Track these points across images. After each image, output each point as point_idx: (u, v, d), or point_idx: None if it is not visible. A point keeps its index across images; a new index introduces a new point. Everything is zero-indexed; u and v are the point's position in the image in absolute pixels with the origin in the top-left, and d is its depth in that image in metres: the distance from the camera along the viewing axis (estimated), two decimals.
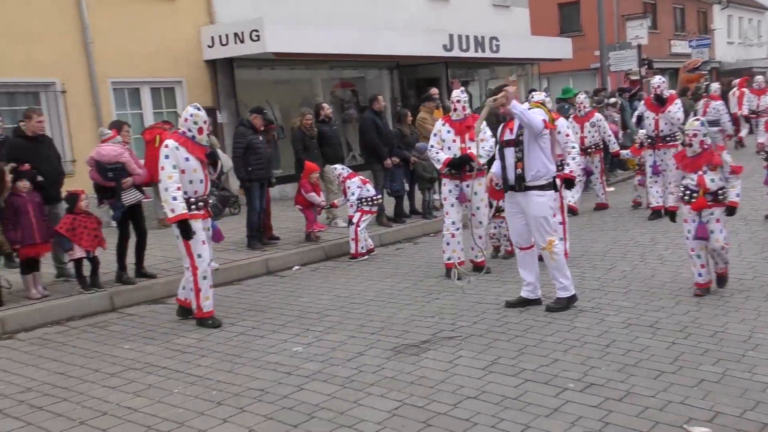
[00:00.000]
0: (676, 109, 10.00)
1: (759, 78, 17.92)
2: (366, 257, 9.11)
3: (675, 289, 6.68)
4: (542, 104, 6.92)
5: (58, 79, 11.58)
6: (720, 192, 6.32)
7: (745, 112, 17.34)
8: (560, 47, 21.18)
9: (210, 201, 6.72)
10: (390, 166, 10.44)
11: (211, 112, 13.12)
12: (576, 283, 6.55)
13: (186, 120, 6.49)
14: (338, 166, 9.86)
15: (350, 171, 9.70)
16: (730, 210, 6.39)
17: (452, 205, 7.89)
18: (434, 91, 12.28)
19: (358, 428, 4.23)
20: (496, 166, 6.66)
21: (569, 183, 7.84)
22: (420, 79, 18.89)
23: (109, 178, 7.55)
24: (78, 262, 7.44)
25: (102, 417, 4.63)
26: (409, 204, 11.31)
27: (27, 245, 7.18)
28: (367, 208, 9.22)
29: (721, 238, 6.34)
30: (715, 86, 16.87)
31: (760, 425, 3.96)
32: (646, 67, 27.07)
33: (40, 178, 7.45)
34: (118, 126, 7.97)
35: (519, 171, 6.22)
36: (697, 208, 6.32)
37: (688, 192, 6.38)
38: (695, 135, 6.33)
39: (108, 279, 7.80)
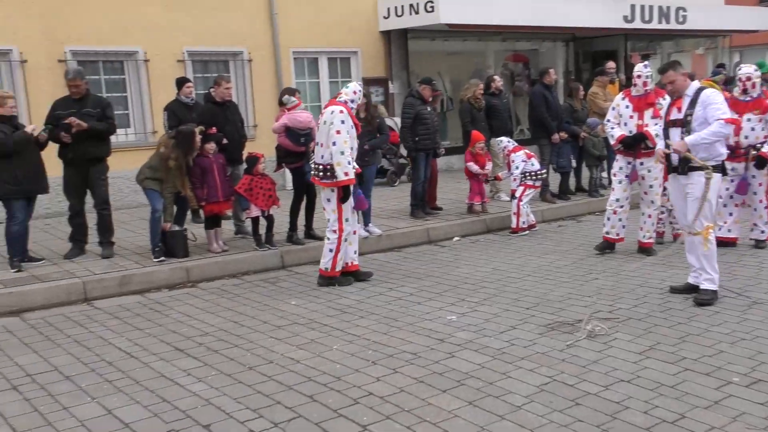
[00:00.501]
0: None
1: None
2: (527, 232, 9.05)
3: None
4: (714, 83, 6.52)
5: (245, 49, 12.35)
6: None
7: None
8: (757, 17, 19.46)
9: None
10: (557, 141, 10.23)
11: (383, 82, 13.53)
12: (753, 274, 6.15)
13: (355, 92, 6.83)
14: (503, 139, 9.80)
15: (515, 144, 9.62)
16: None
17: (620, 182, 7.65)
18: (610, 65, 11.82)
19: (505, 399, 4.28)
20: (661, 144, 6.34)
21: (762, 162, 7.35)
22: (596, 52, 18.17)
23: (302, 143, 7.93)
24: (254, 220, 7.99)
25: (268, 365, 5.01)
26: (576, 181, 11.04)
27: (211, 202, 7.80)
28: (530, 183, 9.12)
29: None
30: None
31: None
32: None
33: (225, 141, 8.04)
34: (292, 93, 8.35)
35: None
36: None
37: None
38: None
39: (279, 239, 8.31)
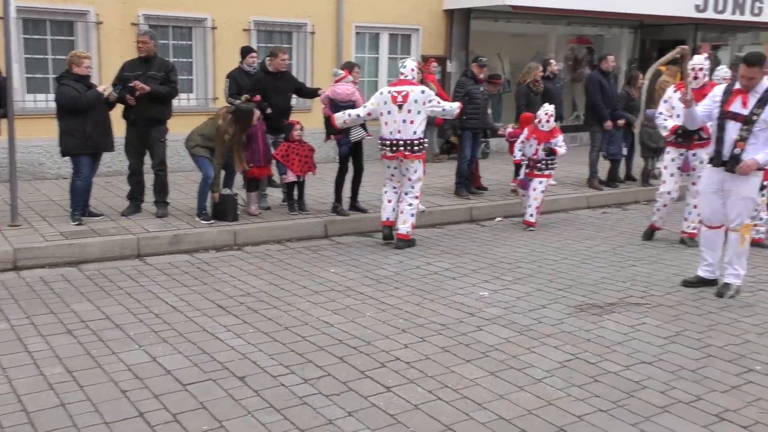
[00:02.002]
0: None
1: None
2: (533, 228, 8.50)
3: None
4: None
5: (309, 21, 12.56)
6: None
7: None
8: None
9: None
10: (610, 129, 10.16)
11: (441, 60, 13.56)
12: None
13: (413, 70, 7.57)
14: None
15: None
16: None
17: (671, 174, 7.63)
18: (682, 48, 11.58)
19: (526, 372, 4.43)
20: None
21: None
22: (664, 40, 17.78)
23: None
24: (290, 186, 8.32)
25: (303, 326, 5.24)
26: (626, 169, 10.95)
27: (253, 166, 8.13)
28: (537, 171, 8.45)
29: None
30: None
31: None
32: None
33: (269, 111, 8.31)
34: (350, 67, 8.52)
35: (738, 150, 5.72)
36: None
37: None
38: None
39: (325, 209, 8.55)
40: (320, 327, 5.22)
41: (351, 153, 8.32)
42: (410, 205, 7.53)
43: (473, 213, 9.05)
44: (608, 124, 10.12)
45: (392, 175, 7.65)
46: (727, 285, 5.96)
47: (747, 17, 16.60)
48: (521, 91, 10.40)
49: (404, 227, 7.52)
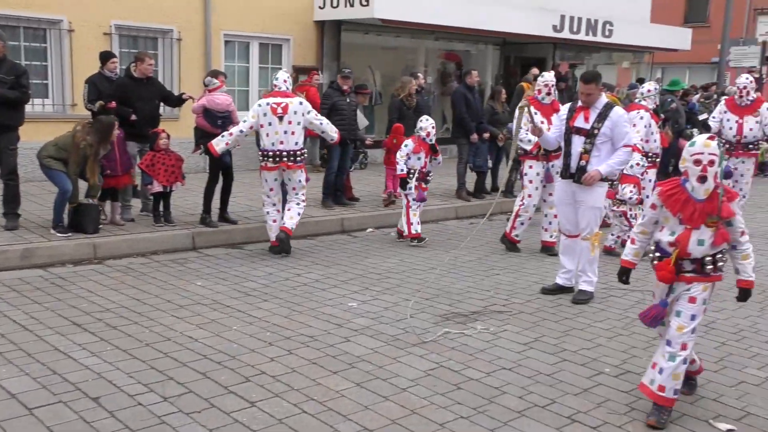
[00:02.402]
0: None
1: None
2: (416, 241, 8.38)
3: None
4: (618, 99, 6.89)
5: (175, 27, 12.20)
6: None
7: None
8: (679, 37, 20.29)
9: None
10: (475, 141, 10.50)
11: (312, 71, 13.55)
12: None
13: (285, 81, 7.62)
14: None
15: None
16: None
17: (537, 188, 7.97)
18: (534, 71, 12.18)
19: (392, 382, 4.46)
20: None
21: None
22: (526, 57, 18.64)
23: (219, 125, 7.96)
24: (156, 196, 8.07)
25: (165, 342, 5.05)
26: (492, 180, 11.35)
27: (111, 175, 7.84)
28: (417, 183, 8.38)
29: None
30: None
31: None
32: None
33: (133, 118, 8.03)
34: (215, 75, 8.34)
35: (583, 162, 6.10)
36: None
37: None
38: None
39: (193, 220, 8.31)
40: (184, 342, 5.05)
41: (220, 164, 8.14)
42: (298, 204, 7.66)
43: (345, 224, 9.07)
44: (474, 136, 10.45)
45: (271, 189, 7.61)
46: (581, 291, 6.27)
47: (599, 38, 17.71)
48: (395, 104, 10.57)
49: (291, 222, 7.58)
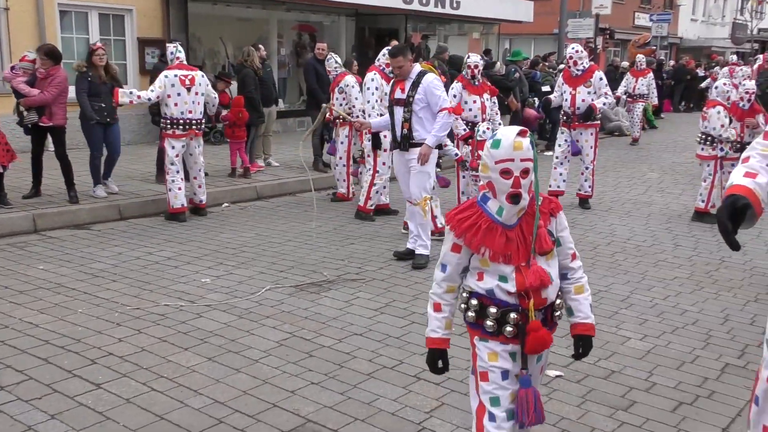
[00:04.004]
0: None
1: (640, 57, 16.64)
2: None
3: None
4: (432, 66, 7.15)
5: None
6: None
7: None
8: (523, 9, 21.24)
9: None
10: None
11: (160, 43, 13.06)
12: None
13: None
14: None
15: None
16: None
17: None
18: (393, 43, 12.36)
19: (244, 354, 4.49)
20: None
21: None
22: (380, 28, 18.85)
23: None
24: None
25: (2, 329, 4.80)
26: None
27: None
28: None
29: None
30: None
31: (607, 372, 4.32)
32: (607, 36, 27.31)
33: None
34: (38, 49, 8.30)
35: (405, 131, 6.41)
36: None
37: None
38: None
39: (33, 202, 7.89)
40: (23, 329, 4.83)
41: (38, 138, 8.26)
42: (206, 174, 8.62)
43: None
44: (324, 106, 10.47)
45: (177, 156, 7.96)
46: (419, 256, 6.48)
47: (448, 10, 18.20)
48: (249, 75, 10.36)
49: (203, 196, 8.40)
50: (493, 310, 2.69)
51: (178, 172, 7.95)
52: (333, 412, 3.78)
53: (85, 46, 12.57)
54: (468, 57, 8.45)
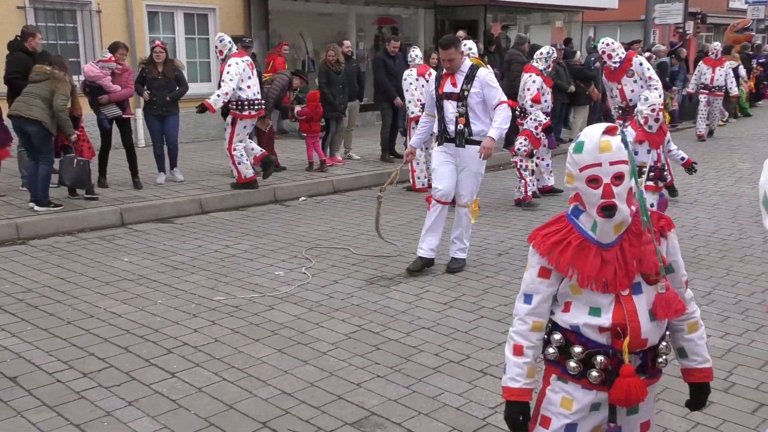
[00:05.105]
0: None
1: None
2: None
3: None
4: (480, 60, 6.96)
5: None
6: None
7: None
8: None
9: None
10: (399, 105, 10.56)
11: (239, 40, 13.36)
12: None
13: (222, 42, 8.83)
14: None
15: None
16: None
17: None
18: (460, 34, 12.25)
19: (313, 346, 4.56)
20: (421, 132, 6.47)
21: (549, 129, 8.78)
22: (459, 20, 18.70)
23: (87, 93, 8.62)
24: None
25: (88, 319, 5.04)
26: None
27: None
28: None
29: None
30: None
31: None
32: (699, 21, 26.17)
33: None
34: (113, 48, 8.74)
35: (461, 126, 5.99)
36: None
37: None
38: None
39: (120, 196, 8.24)
40: (107, 318, 5.06)
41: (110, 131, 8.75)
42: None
43: (277, 194, 9.06)
44: (397, 100, 10.50)
45: (247, 135, 8.94)
46: (455, 260, 6.17)
47: None
48: (321, 70, 10.58)
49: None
50: (578, 349, 2.26)
51: (245, 147, 8.80)
52: (397, 406, 3.80)
53: (172, 46, 13.05)
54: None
